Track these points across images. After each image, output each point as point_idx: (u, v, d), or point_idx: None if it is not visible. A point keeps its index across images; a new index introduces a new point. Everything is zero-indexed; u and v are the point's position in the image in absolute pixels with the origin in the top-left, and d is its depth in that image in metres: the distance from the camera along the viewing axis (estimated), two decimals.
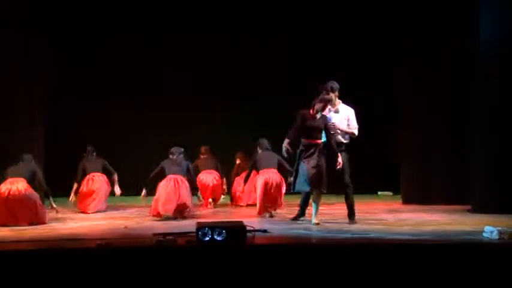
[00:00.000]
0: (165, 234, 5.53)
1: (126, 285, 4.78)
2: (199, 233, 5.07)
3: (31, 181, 7.02)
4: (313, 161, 6.45)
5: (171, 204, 7.25)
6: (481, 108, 7.86)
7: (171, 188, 7.32)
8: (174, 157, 7.61)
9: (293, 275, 4.82)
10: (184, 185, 7.44)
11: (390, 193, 10.36)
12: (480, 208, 7.60)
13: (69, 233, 6.10)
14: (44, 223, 6.85)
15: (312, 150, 6.50)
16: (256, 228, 5.65)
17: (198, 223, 5.36)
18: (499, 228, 5.52)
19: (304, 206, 6.92)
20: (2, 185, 6.90)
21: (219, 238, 5.04)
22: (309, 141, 6.53)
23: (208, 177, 8.80)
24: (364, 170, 9.89)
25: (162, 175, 7.60)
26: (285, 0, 10.17)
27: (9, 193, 6.79)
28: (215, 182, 8.79)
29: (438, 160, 8.67)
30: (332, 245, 5.36)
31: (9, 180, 6.92)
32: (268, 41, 10.36)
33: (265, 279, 4.80)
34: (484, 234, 5.56)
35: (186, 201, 7.33)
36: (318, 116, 6.54)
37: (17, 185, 6.86)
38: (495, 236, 5.41)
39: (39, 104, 8.95)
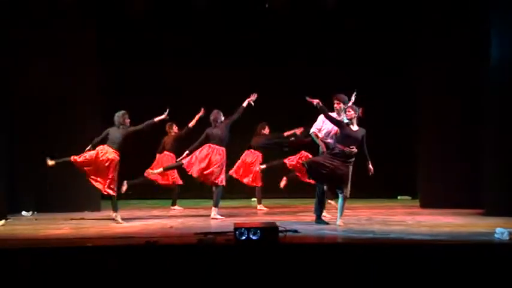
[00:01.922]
0: (205, 234, 5.61)
1: (172, 279, 4.85)
2: (237, 232, 5.12)
3: (122, 145, 7.09)
4: (345, 166, 6.50)
5: (196, 167, 7.35)
6: (494, 113, 7.72)
7: (203, 154, 7.38)
8: (217, 124, 7.49)
9: (321, 272, 4.83)
10: (219, 155, 7.39)
11: (409, 197, 10.25)
12: (493, 211, 7.47)
13: (122, 231, 6.24)
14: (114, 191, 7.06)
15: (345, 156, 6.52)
16: (287, 229, 5.66)
17: (236, 223, 5.42)
18: (510, 229, 5.46)
19: (322, 208, 6.88)
20: (97, 148, 7.07)
21: (254, 237, 5.08)
22: (343, 147, 6.52)
23: None
24: (385, 176, 9.83)
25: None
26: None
27: (99, 155, 6.99)
28: None
29: (454, 166, 8.53)
30: (356, 244, 5.36)
31: (101, 147, 7.05)
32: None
33: (296, 275, 4.81)
34: (496, 235, 5.49)
35: (214, 170, 7.36)
36: (356, 127, 6.53)
37: (107, 153, 7.00)
38: (506, 236, 5.35)
39: (92, 102, 8.59)
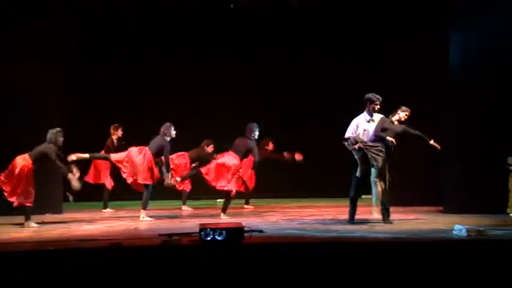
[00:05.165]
0: (170, 235, 5.56)
1: (135, 281, 4.80)
2: (202, 233, 5.11)
3: (35, 157, 6.80)
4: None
5: None
6: (451, 114, 7.96)
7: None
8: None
9: (287, 271, 4.85)
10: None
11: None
12: (451, 209, 7.71)
13: (84, 234, 6.13)
14: (24, 204, 6.75)
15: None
16: (253, 229, 5.68)
17: (201, 224, 5.40)
18: (467, 226, 5.62)
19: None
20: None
21: (219, 238, 5.07)
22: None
23: None
24: (349, 175, 9.98)
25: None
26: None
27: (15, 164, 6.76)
28: None
29: (414, 165, 8.72)
30: (321, 243, 5.40)
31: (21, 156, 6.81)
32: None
33: (261, 275, 4.83)
34: (454, 232, 5.64)
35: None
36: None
37: (17, 161, 6.75)
38: (464, 233, 5.50)
39: (55, 102, 8.31)
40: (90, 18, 9.49)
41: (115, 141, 8.71)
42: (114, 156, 7.48)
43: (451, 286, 4.78)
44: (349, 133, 6.75)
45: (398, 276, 4.83)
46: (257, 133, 7.62)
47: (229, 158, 7.46)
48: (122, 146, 8.47)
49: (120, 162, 7.34)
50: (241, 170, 7.56)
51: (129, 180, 7.34)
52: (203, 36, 10.26)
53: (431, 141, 6.85)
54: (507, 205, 7.55)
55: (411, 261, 4.91)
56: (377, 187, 6.73)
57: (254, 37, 10.28)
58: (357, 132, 6.72)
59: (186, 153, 8.80)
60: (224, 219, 7.33)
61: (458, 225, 5.66)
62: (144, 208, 7.38)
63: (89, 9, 9.06)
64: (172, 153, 8.03)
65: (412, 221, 6.86)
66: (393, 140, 6.62)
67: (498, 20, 7.68)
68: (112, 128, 8.76)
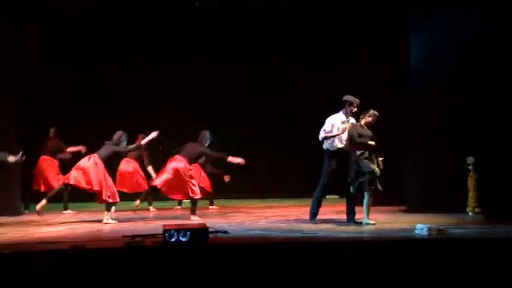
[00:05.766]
0: (133, 236, 5.49)
1: (98, 283, 4.71)
2: (166, 234, 5.06)
3: None
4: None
5: None
6: (414, 114, 8.11)
7: None
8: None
9: (251, 271, 4.86)
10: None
11: (337, 196, 10.54)
12: (413, 208, 7.87)
13: (45, 236, 5.97)
14: None
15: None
16: (217, 230, 5.66)
17: (165, 225, 5.34)
18: (429, 225, 5.74)
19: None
20: None
21: (183, 239, 5.03)
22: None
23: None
24: (313, 175, 10.10)
25: None
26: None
27: None
28: None
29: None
30: (285, 243, 5.43)
31: None
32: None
33: (226, 276, 4.81)
34: (416, 231, 5.75)
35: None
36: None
37: None
38: (425, 232, 5.61)
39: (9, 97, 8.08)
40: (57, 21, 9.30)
41: (57, 143, 8.55)
42: (67, 177, 7.24)
43: (413, 284, 4.88)
44: (323, 133, 6.85)
45: (362, 274, 4.90)
46: (209, 141, 7.65)
47: (178, 163, 7.41)
48: (61, 149, 8.44)
49: (75, 177, 7.10)
50: (191, 172, 7.54)
51: (93, 188, 7.15)
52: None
53: (381, 158, 6.94)
54: (467, 204, 7.79)
55: (374, 260, 4.98)
56: (368, 197, 6.79)
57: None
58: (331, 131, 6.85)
59: (130, 159, 8.73)
60: (194, 220, 7.28)
61: (420, 225, 5.77)
62: (108, 210, 7.26)
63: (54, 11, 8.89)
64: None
65: (375, 220, 6.95)
66: (374, 143, 6.71)
67: (456, 20, 7.84)
68: (52, 131, 8.60)
